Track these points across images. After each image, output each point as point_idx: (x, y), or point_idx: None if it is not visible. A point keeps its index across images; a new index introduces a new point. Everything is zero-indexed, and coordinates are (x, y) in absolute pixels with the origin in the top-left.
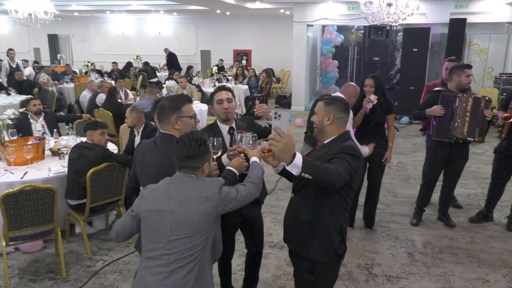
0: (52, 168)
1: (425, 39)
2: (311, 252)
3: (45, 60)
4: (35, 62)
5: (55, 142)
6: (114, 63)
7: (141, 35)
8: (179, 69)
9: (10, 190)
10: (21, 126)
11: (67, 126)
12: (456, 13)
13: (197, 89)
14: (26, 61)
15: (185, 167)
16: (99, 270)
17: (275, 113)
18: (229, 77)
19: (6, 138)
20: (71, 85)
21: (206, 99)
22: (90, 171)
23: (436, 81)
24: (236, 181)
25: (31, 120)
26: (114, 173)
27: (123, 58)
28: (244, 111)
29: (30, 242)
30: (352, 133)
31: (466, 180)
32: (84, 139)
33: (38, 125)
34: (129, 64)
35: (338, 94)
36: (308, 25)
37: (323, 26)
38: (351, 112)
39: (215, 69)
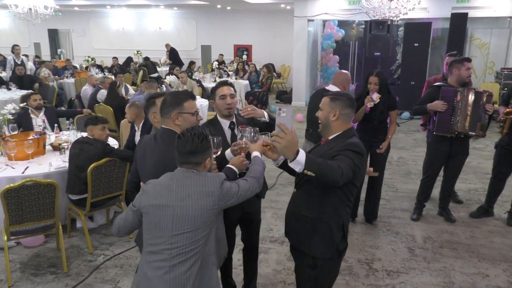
0: (53, 163)
1: (426, 34)
2: (312, 248)
3: (46, 55)
4: (37, 56)
5: (55, 137)
6: (114, 58)
7: (141, 30)
8: (180, 64)
9: (11, 184)
10: (22, 121)
11: (67, 121)
12: (458, 8)
13: (198, 84)
14: (26, 56)
15: (187, 162)
16: (100, 265)
17: (279, 109)
18: (230, 72)
19: (7, 133)
20: (72, 80)
21: (207, 94)
22: (91, 166)
23: (437, 76)
24: (235, 179)
25: (31, 115)
26: (115, 168)
27: (124, 53)
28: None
29: (31, 236)
30: None
31: (467, 175)
32: (84, 134)
33: (38, 120)
34: (129, 59)
35: (331, 86)
36: (308, 20)
37: (324, 21)
38: None
39: (215, 64)
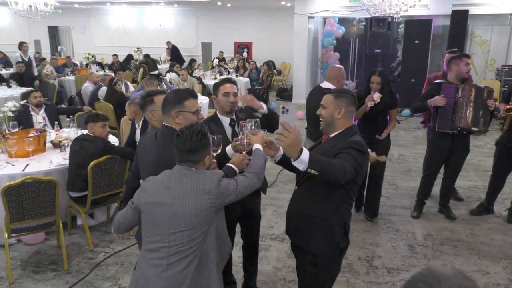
0: (53, 161)
1: (427, 31)
2: (314, 246)
3: (46, 52)
4: (37, 52)
5: (56, 134)
6: (114, 55)
7: (141, 27)
8: (182, 62)
9: (12, 182)
10: (22, 119)
11: (68, 119)
12: (458, 5)
13: (198, 82)
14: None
15: (186, 160)
16: (101, 262)
17: (283, 108)
18: (230, 70)
19: (7, 131)
20: (72, 77)
21: (207, 91)
22: (91, 163)
23: (438, 73)
24: None
25: (32, 113)
26: (115, 165)
27: (124, 50)
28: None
29: (32, 234)
30: None
31: (467, 172)
32: (85, 132)
33: (39, 118)
34: (129, 57)
35: (325, 82)
36: (309, 17)
37: (325, 18)
38: None
39: (216, 61)
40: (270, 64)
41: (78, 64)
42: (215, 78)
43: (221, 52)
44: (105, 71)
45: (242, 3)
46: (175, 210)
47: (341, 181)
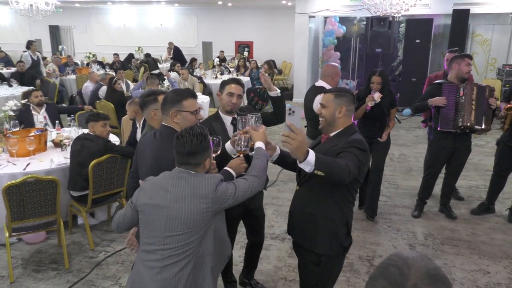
0: (54, 160)
1: (427, 30)
2: (317, 245)
3: (47, 51)
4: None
5: (57, 133)
6: (115, 54)
7: (142, 27)
8: (184, 63)
9: (13, 181)
10: (23, 118)
11: (69, 118)
12: (459, 4)
13: (199, 81)
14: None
15: (186, 163)
16: (102, 261)
17: (289, 109)
18: (231, 69)
19: (8, 130)
20: (73, 76)
21: (208, 90)
22: (92, 162)
23: (438, 72)
24: None
25: (33, 112)
26: (116, 164)
27: (125, 49)
28: (246, 102)
29: (33, 233)
30: None
31: (468, 172)
32: (86, 131)
33: (40, 117)
34: (130, 56)
35: (320, 81)
36: (310, 16)
37: (325, 18)
38: None
39: (216, 60)
40: (270, 63)
41: (79, 63)
42: (216, 77)
43: (222, 51)
44: (106, 70)
45: (243, 2)
46: (171, 214)
47: (345, 181)
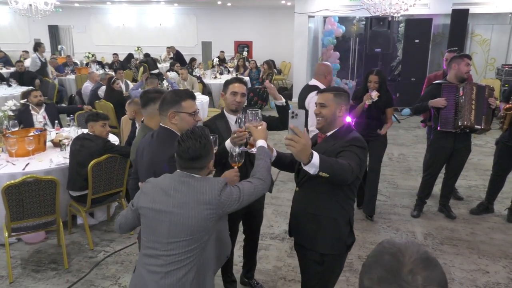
0: (53, 160)
1: (427, 30)
2: (321, 245)
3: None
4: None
5: (56, 133)
6: (115, 54)
7: (141, 26)
8: (185, 65)
9: (12, 181)
10: (23, 118)
11: (68, 118)
12: (459, 4)
13: (198, 81)
14: (27, 52)
15: (190, 168)
16: (101, 261)
17: (292, 112)
18: (230, 69)
19: (8, 130)
20: (72, 76)
21: (207, 90)
22: (92, 162)
23: (438, 72)
24: None
25: (32, 112)
26: (115, 164)
27: (124, 49)
28: (245, 102)
29: (32, 233)
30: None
31: (467, 171)
32: (85, 131)
33: (39, 117)
34: (130, 56)
35: (313, 80)
36: (309, 16)
37: (325, 17)
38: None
39: (216, 60)
40: (270, 63)
41: (78, 63)
42: (215, 77)
43: (223, 52)
44: (105, 70)
45: (242, 2)
46: (174, 219)
47: (348, 181)
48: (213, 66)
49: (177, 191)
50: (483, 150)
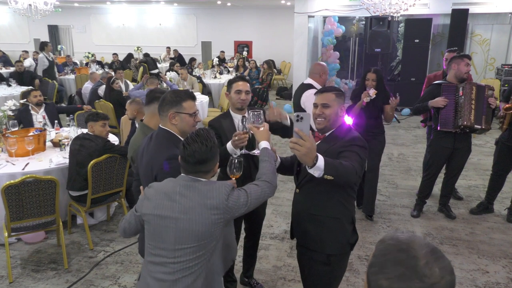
0: (53, 160)
1: (427, 30)
2: (325, 246)
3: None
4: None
5: (56, 133)
6: (114, 54)
7: (141, 26)
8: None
9: (12, 181)
10: (22, 117)
11: (68, 118)
12: (458, 4)
13: (198, 81)
14: (26, 52)
15: (196, 172)
16: (101, 261)
17: (297, 116)
18: (230, 69)
19: (7, 130)
20: (72, 76)
21: (207, 90)
22: (91, 162)
23: (438, 72)
24: None
25: (32, 112)
26: (115, 164)
27: (124, 49)
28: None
29: (32, 232)
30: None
31: (467, 171)
32: (85, 131)
33: (39, 117)
34: (129, 55)
35: (308, 79)
36: (309, 16)
37: (324, 17)
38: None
39: (216, 60)
40: (270, 63)
41: (78, 63)
42: (215, 77)
43: (223, 52)
44: (105, 70)
45: (242, 2)
46: (181, 225)
47: (352, 181)
48: (213, 66)
49: (183, 196)
50: (483, 150)
